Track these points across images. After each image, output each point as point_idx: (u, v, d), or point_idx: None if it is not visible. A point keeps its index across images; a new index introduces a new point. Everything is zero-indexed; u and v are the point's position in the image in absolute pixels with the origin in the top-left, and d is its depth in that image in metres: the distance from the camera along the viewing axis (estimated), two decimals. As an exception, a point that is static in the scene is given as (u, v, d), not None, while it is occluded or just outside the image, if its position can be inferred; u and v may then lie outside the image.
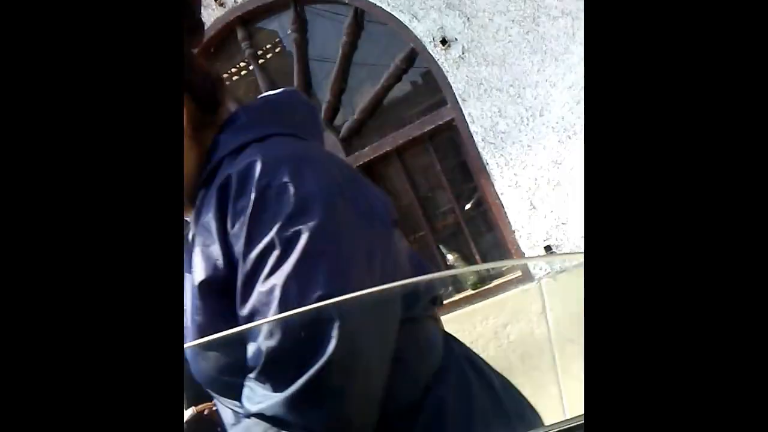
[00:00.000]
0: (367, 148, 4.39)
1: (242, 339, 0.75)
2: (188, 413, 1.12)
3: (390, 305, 0.79)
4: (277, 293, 0.72)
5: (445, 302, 4.20)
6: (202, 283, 0.78)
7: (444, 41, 4.01)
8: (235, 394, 0.78)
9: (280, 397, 0.72)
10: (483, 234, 4.37)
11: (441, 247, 4.41)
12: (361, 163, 4.35)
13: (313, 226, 0.74)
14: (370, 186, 0.89)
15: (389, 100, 4.39)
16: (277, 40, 4.66)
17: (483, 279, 4.29)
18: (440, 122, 4.19)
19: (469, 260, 4.34)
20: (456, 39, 4.00)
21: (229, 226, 0.77)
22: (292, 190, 0.76)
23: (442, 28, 4.02)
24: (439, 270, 4.42)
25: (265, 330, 0.72)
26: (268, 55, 4.68)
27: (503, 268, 4.31)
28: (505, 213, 4.04)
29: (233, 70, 4.74)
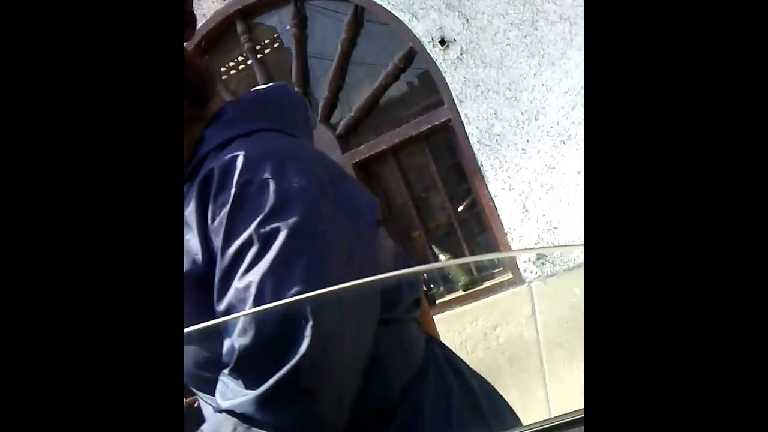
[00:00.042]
0: (363, 146, 4.39)
1: (218, 334, 0.75)
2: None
3: (367, 305, 0.78)
4: (252, 290, 0.72)
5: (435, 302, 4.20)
6: None
7: (443, 42, 4.01)
8: (213, 389, 0.78)
9: (251, 395, 0.71)
10: (476, 236, 4.37)
11: (433, 247, 4.41)
12: (357, 160, 4.35)
13: (293, 224, 0.74)
14: (357, 185, 0.88)
15: (387, 99, 4.38)
16: (276, 35, 4.65)
17: (474, 280, 4.30)
18: (437, 122, 4.19)
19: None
20: (455, 40, 3.99)
21: (209, 220, 0.77)
22: (273, 186, 0.75)
23: (441, 28, 4.01)
24: (428, 271, 4.42)
25: (239, 327, 0.72)
26: (267, 50, 4.66)
27: (494, 271, 4.32)
28: (498, 215, 4.04)
29: (231, 63, 4.73)
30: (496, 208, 4.04)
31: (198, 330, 0.71)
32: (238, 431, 0.72)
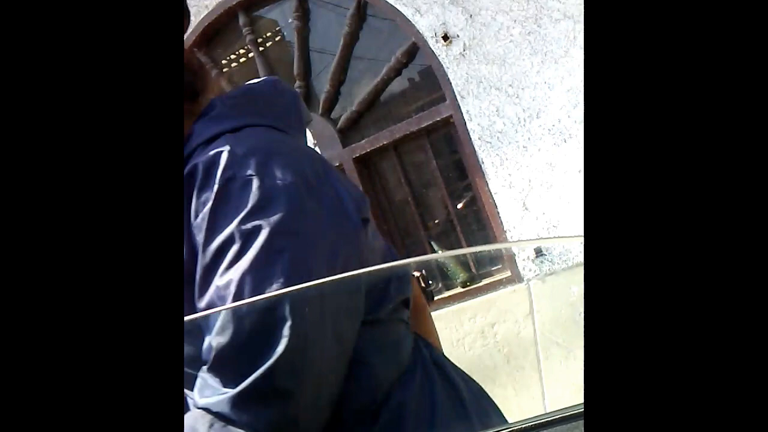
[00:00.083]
0: (363, 141, 4.37)
1: (199, 331, 0.74)
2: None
3: (349, 305, 0.78)
4: (232, 288, 0.71)
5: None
6: None
7: (446, 37, 3.99)
8: (193, 385, 0.77)
9: (227, 394, 0.71)
10: (475, 232, 4.36)
11: (433, 243, 4.40)
12: (357, 155, 4.34)
13: (275, 221, 0.73)
14: (344, 182, 0.87)
15: (388, 94, 4.37)
16: (278, 28, 4.64)
17: (473, 277, 4.29)
18: (438, 119, 4.18)
19: (459, 258, 4.33)
20: (458, 36, 3.98)
21: (192, 216, 0.76)
22: (256, 183, 0.75)
23: (444, 24, 4.00)
24: (427, 267, 4.41)
25: (217, 325, 0.71)
26: (269, 43, 4.65)
27: (493, 269, 4.31)
28: (498, 212, 4.03)
29: (233, 56, 4.72)
30: (496, 206, 4.03)
31: None
32: (214, 428, 0.71)
